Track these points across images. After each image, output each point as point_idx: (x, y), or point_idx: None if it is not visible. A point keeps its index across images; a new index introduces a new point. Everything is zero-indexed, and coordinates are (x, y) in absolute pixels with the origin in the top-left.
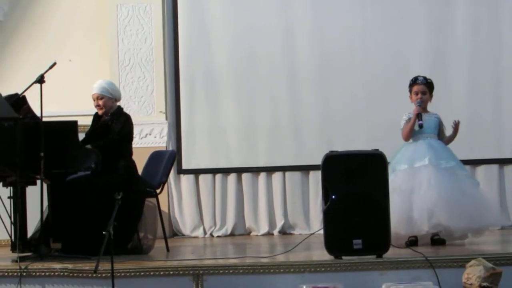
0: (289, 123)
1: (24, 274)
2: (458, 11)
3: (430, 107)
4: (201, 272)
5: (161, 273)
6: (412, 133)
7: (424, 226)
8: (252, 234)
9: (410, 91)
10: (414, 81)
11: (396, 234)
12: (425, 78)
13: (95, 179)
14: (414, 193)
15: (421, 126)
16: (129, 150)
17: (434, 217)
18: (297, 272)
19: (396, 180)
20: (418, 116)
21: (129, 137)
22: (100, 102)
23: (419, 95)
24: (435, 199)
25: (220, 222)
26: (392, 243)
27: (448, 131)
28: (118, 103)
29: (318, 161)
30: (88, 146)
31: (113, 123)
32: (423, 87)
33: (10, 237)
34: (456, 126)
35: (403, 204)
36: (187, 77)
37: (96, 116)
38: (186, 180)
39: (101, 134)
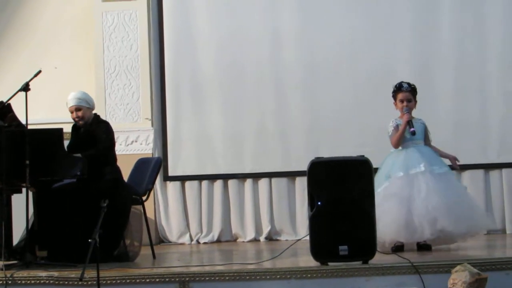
0: (276, 129)
1: (10, 282)
2: (443, 17)
3: (415, 111)
4: (187, 279)
5: (147, 280)
6: (402, 140)
7: (425, 233)
8: (238, 240)
9: (394, 97)
10: (399, 88)
11: (396, 242)
12: (409, 84)
13: (81, 186)
14: (413, 200)
15: (413, 133)
16: (113, 157)
17: (438, 223)
18: (283, 279)
19: (392, 187)
20: (409, 123)
21: (113, 143)
22: (80, 114)
23: (405, 103)
24: (436, 205)
25: (207, 228)
26: (378, 249)
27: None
28: (93, 111)
29: (305, 167)
30: (78, 155)
31: (95, 132)
32: (408, 95)
33: None
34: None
35: (401, 211)
36: (173, 84)
37: (74, 128)
38: (172, 187)
39: (86, 144)
